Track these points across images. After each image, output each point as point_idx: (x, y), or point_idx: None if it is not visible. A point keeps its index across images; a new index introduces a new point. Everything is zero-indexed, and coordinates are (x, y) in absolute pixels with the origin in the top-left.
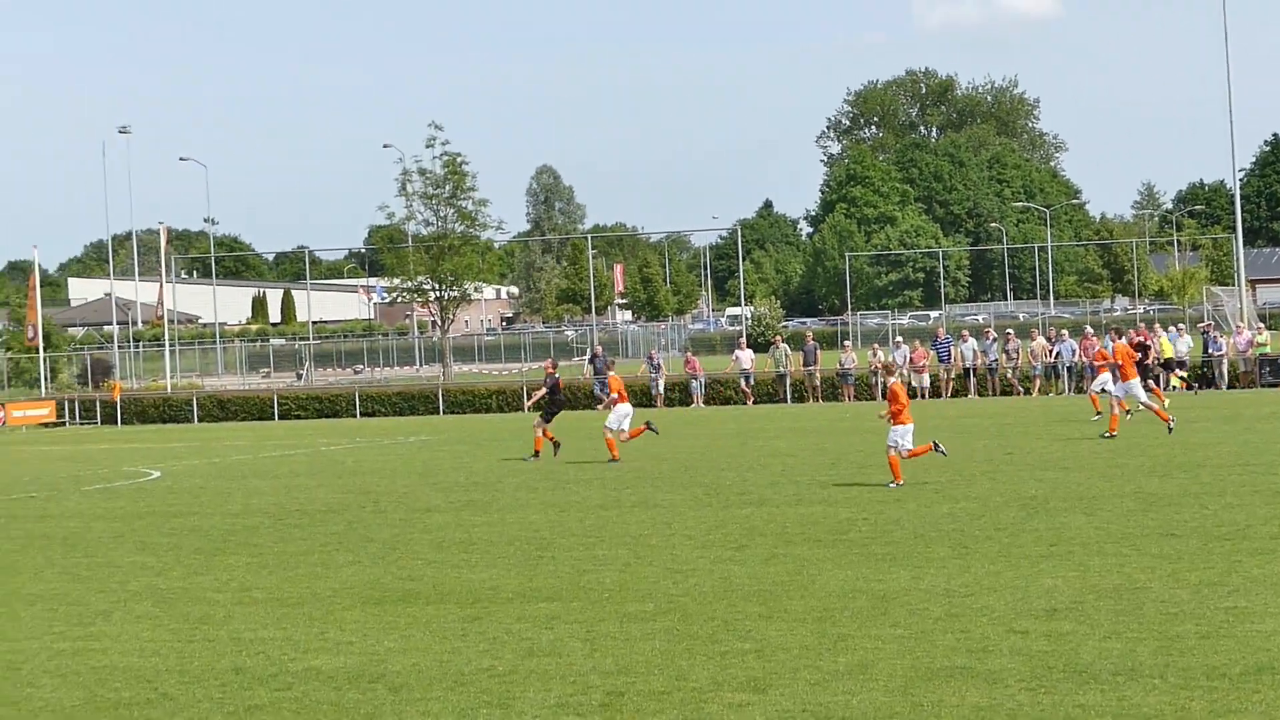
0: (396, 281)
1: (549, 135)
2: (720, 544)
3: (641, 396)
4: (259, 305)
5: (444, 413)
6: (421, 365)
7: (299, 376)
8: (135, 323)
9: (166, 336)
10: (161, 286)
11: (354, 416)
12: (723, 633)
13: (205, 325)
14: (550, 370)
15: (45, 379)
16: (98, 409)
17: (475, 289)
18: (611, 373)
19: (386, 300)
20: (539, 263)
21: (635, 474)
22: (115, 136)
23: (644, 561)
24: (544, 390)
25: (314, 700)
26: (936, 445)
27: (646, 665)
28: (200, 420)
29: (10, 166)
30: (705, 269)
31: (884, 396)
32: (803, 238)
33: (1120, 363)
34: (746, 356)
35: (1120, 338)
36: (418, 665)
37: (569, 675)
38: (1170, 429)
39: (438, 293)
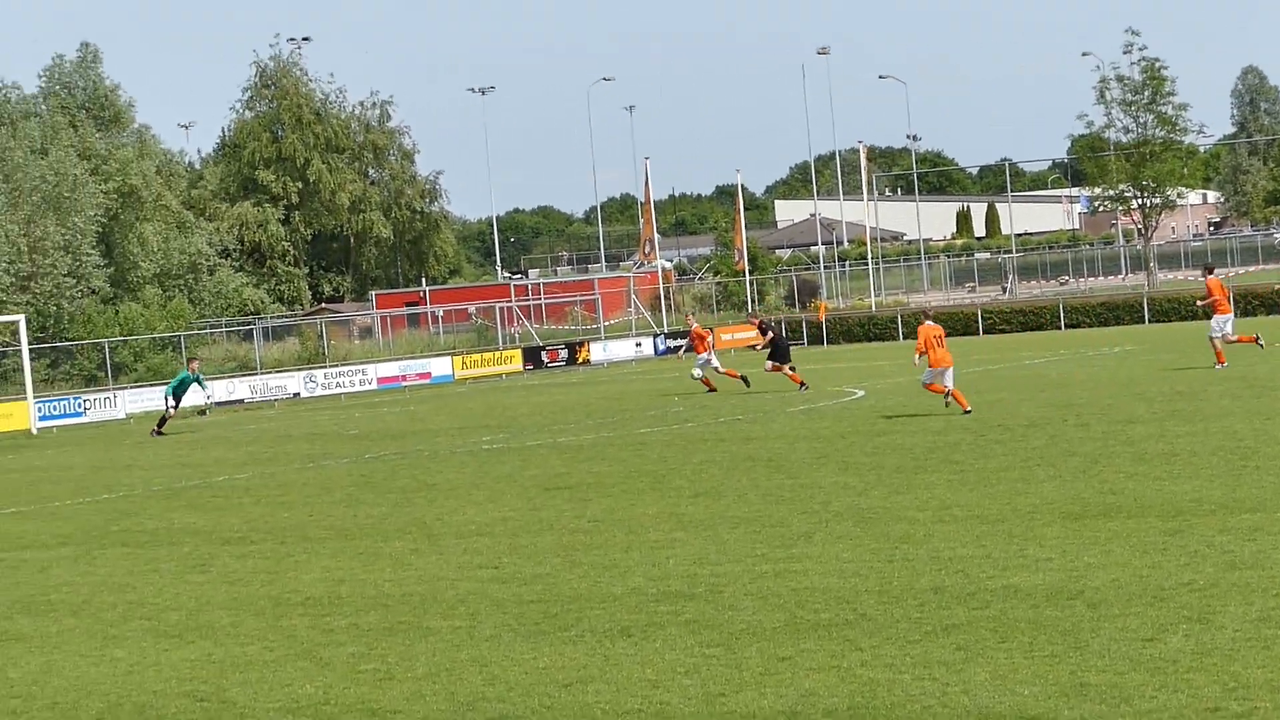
0: (1098, 190)
1: (1253, 35)
2: None
3: None
4: (963, 219)
5: (1149, 321)
6: (1126, 274)
7: (1004, 290)
8: (840, 242)
9: (870, 255)
10: (865, 206)
11: (1058, 328)
12: None
13: (910, 242)
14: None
15: (752, 301)
16: (804, 329)
17: (1178, 194)
18: (694, 325)
19: (1089, 210)
20: (1245, 165)
21: None
22: (814, 58)
23: None
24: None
25: (1011, 618)
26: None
27: None
28: (905, 338)
29: (715, 93)
30: None
31: None
32: None
33: (1216, 298)
34: None
35: (1211, 274)
36: (1116, 580)
37: (1272, 588)
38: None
39: (1140, 200)
